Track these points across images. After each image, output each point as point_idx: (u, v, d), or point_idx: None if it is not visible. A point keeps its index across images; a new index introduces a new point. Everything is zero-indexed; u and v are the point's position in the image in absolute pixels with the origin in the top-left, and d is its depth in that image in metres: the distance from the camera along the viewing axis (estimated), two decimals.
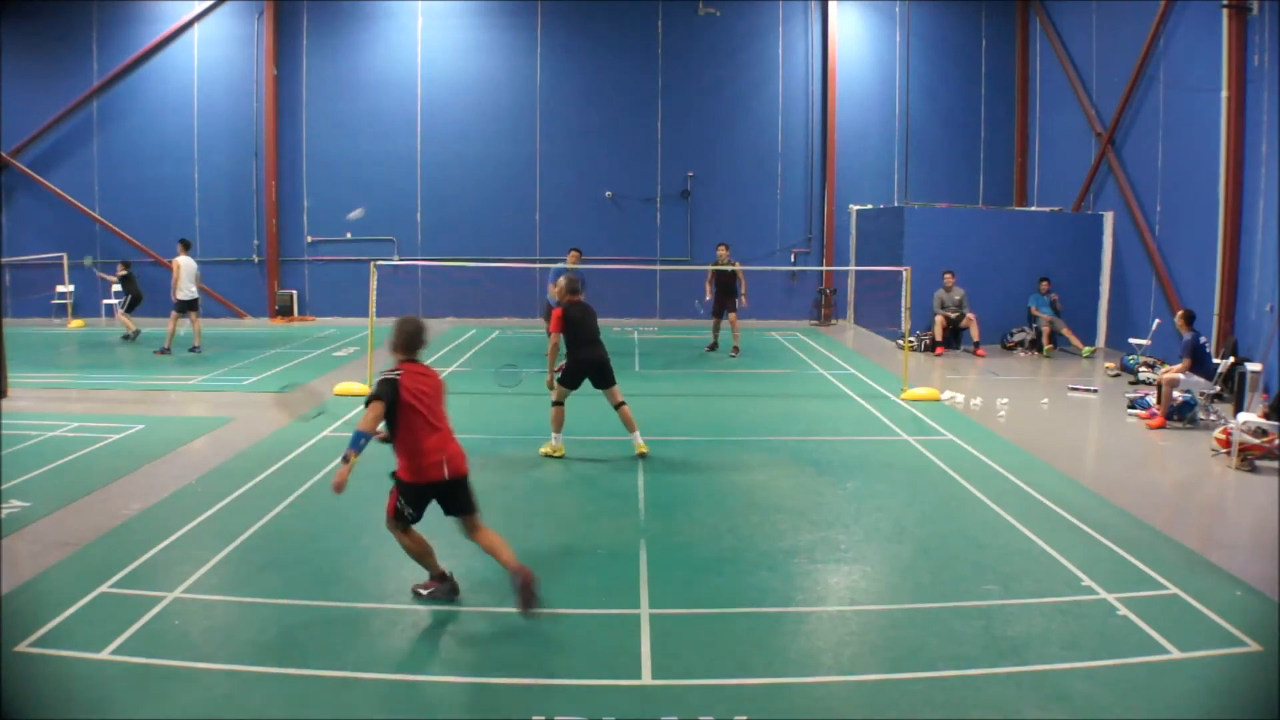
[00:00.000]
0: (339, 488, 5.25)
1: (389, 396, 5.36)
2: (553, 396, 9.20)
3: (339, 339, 18.16)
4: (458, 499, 5.64)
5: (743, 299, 16.12)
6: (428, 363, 5.78)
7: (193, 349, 15.86)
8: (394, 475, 5.63)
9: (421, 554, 5.71)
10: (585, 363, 9.08)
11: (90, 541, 6.61)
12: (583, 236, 20.80)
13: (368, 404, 5.38)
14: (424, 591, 5.76)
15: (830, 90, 21.62)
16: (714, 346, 16.41)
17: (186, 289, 16.02)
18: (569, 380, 9.18)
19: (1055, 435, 10.60)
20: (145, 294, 18.31)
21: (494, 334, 19.19)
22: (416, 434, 5.46)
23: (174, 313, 16.06)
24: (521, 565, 5.39)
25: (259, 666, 4.86)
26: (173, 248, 20.88)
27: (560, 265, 15.78)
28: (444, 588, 5.75)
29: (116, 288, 18.62)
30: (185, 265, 16.17)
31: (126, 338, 17.51)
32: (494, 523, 7.26)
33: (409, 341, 5.63)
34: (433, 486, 5.56)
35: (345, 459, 5.25)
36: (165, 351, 15.64)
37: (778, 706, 4.55)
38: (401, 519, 5.60)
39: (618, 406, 9.15)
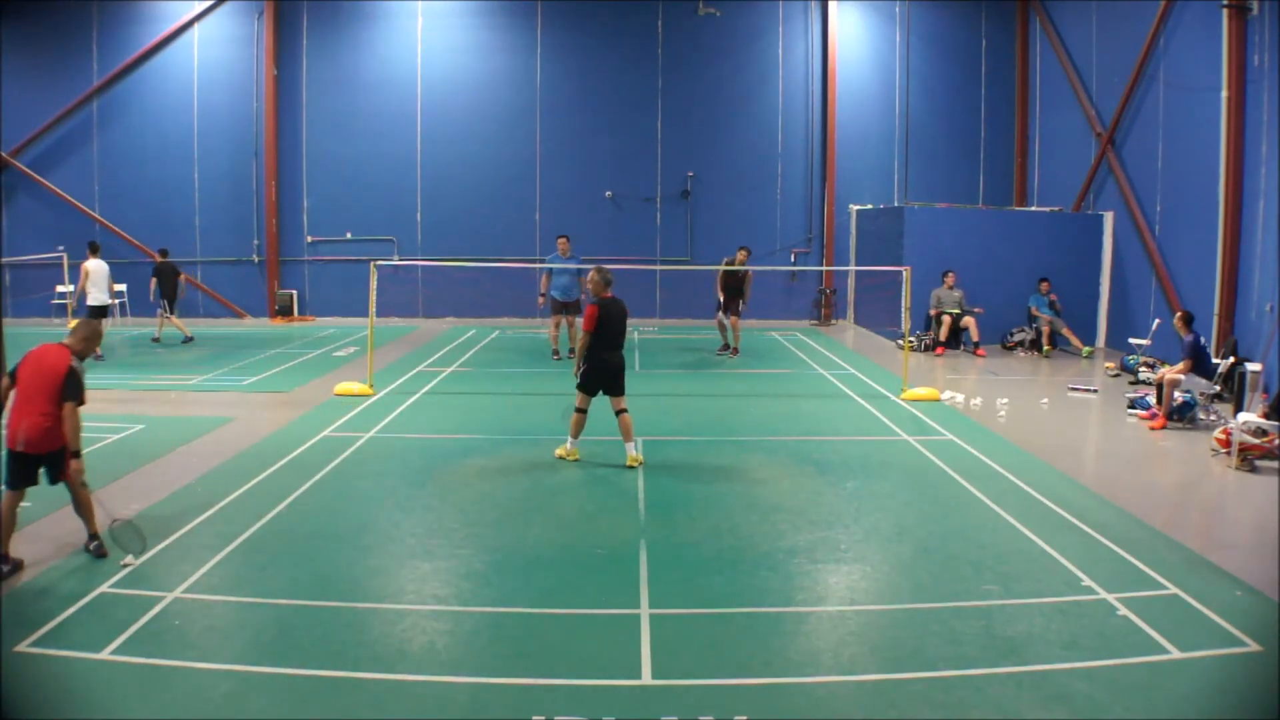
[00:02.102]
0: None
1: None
2: (576, 402, 8.94)
3: (339, 339, 18.16)
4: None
5: (743, 302, 16.01)
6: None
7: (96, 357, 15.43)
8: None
9: (9, 529, 6.18)
10: (606, 369, 8.81)
11: None
12: (583, 236, 20.80)
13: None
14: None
15: (830, 90, 21.62)
16: (726, 346, 16.24)
17: (96, 294, 15.34)
18: (590, 386, 8.85)
19: (1055, 435, 10.60)
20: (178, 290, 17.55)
21: (494, 334, 19.19)
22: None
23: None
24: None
25: (259, 666, 4.86)
26: (173, 247, 20.92)
27: (555, 256, 15.50)
28: (8, 569, 6.06)
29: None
30: (95, 269, 15.44)
31: (188, 340, 17.05)
32: (494, 521, 7.28)
33: None
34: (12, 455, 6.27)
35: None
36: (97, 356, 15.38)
37: (778, 706, 4.56)
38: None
39: (619, 413, 8.93)
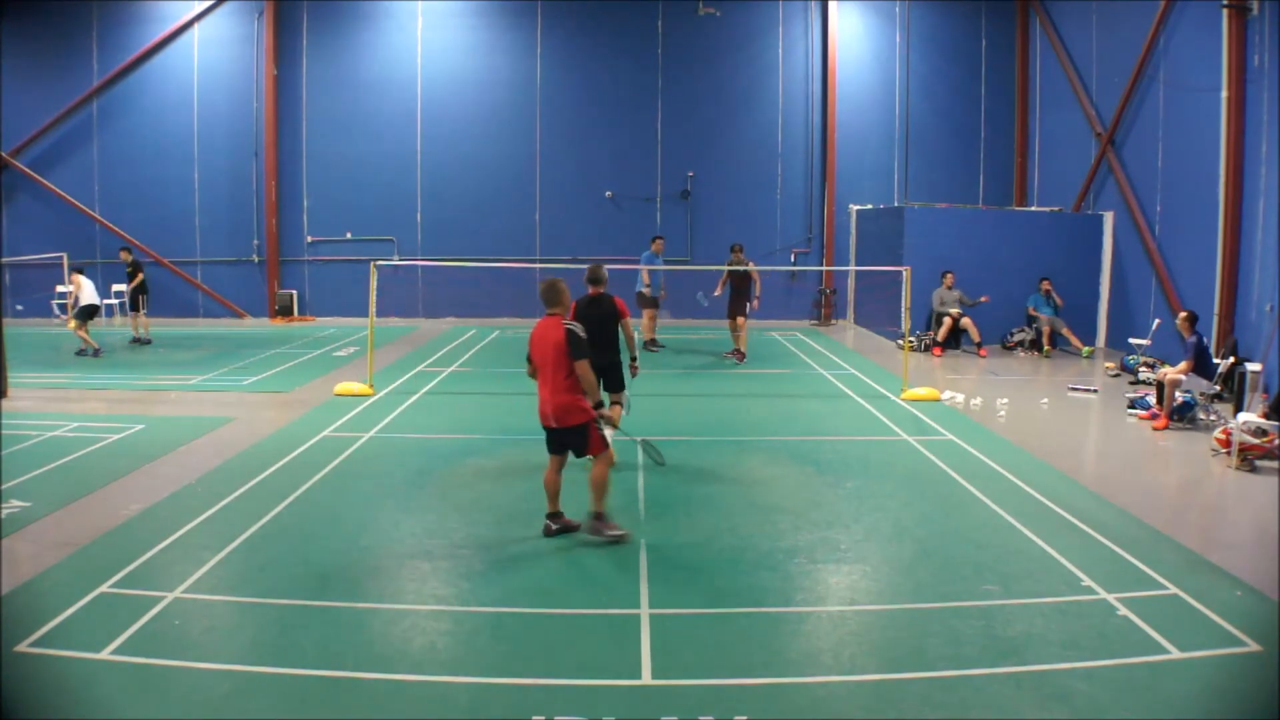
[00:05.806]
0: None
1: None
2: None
3: (339, 339, 18.15)
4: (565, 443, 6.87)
5: (754, 301, 15.64)
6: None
7: (95, 352, 15.65)
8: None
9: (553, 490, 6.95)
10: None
11: (90, 541, 6.61)
12: (583, 236, 20.91)
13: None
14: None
15: (830, 90, 21.62)
16: (736, 351, 15.89)
17: (86, 298, 15.87)
18: None
19: (1055, 435, 10.59)
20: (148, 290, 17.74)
21: (494, 334, 19.19)
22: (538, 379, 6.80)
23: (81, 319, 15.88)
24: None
25: (259, 666, 4.86)
26: (173, 247, 21.08)
27: (649, 253, 16.08)
28: (557, 527, 6.88)
29: (119, 286, 18.26)
30: (85, 282, 16.06)
31: (137, 340, 17.27)
32: (494, 522, 7.29)
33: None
34: (546, 430, 6.84)
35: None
36: (98, 352, 15.61)
37: (778, 706, 4.56)
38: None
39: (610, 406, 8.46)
